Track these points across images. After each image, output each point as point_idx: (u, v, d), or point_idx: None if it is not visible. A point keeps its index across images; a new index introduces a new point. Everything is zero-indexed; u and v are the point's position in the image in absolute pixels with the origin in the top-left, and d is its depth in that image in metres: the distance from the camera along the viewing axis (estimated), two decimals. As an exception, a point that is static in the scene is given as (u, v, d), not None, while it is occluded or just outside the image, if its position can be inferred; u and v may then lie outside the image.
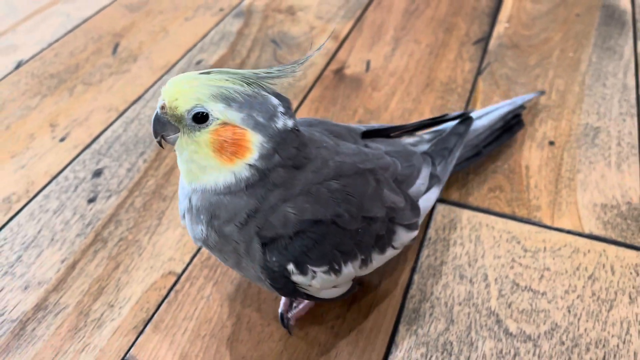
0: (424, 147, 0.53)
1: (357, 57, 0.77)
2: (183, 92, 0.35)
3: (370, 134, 0.50)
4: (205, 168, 0.37)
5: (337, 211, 0.39)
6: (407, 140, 0.53)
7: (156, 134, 0.37)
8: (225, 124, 0.35)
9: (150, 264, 0.51)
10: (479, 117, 0.58)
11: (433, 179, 0.49)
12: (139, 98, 0.71)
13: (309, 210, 0.38)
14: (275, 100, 0.37)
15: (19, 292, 0.50)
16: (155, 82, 0.74)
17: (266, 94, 0.37)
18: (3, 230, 0.55)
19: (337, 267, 0.40)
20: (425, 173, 0.49)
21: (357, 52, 0.78)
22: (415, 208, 0.46)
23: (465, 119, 0.56)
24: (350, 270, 0.41)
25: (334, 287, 0.41)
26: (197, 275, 0.50)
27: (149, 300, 0.49)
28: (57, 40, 0.82)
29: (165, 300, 0.49)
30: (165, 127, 0.37)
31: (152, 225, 0.55)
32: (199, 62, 0.77)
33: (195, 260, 0.52)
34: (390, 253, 0.44)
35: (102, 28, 0.85)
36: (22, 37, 0.83)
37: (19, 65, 0.77)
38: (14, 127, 0.67)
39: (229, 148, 0.36)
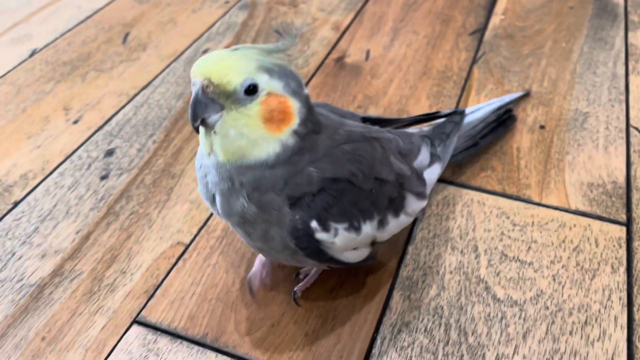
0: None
1: (357, 47, 0.80)
2: (232, 66, 0.36)
3: (367, 121, 0.53)
4: (257, 141, 0.37)
5: (352, 170, 0.41)
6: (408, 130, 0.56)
7: (196, 117, 0.36)
8: (269, 94, 0.37)
9: (159, 235, 0.55)
10: (473, 112, 0.62)
11: (434, 157, 0.52)
12: (148, 84, 0.75)
13: (329, 169, 0.40)
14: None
15: (37, 260, 0.53)
16: (164, 70, 0.77)
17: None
18: (21, 204, 0.58)
19: (356, 225, 0.42)
20: (425, 151, 0.52)
21: (357, 42, 0.81)
22: (420, 178, 0.49)
23: (456, 110, 0.59)
24: (368, 229, 0.43)
25: (355, 249, 0.44)
26: (204, 246, 0.53)
27: (159, 267, 0.52)
28: (69, 30, 0.86)
29: (174, 268, 0.52)
30: (207, 108, 0.36)
31: (161, 200, 0.58)
32: (205, 51, 0.80)
33: (202, 232, 0.55)
34: (403, 219, 0.47)
35: (113, 19, 0.88)
36: (36, 27, 0.87)
37: (33, 53, 0.81)
38: (30, 110, 0.70)
39: (277, 116, 0.37)
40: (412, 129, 0.57)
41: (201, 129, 0.39)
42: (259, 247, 0.44)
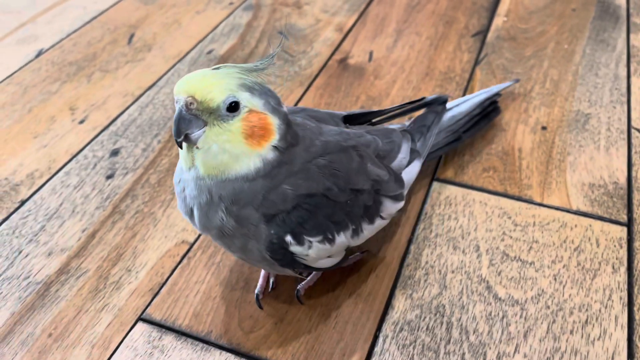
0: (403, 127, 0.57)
1: (360, 48, 0.81)
2: (215, 84, 0.38)
3: (352, 119, 0.54)
4: (238, 156, 0.39)
5: (326, 185, 0.42)
6: (389, 126, 0.56)
7: (180, 133, 0.38)
8: (250, 111, 0.39)
9: (164, 233, 0.55)
10: (457, 105, 0.62)
11: (414, 154, 0.53)
12: (153, 84, 0.75)
13: (303, 185, 0.41)
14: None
15: (43, 258, 0.53)
16: (169, 70, 0.78)
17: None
18: (27, 203, 0.59)
19: (330, 237, 0.43)
20: (405, 148, 0.52)
21: (361, 43, 0.82)
22: (399, 180, 0.49)
23: (437, 98, 0.59)
24: (342, 239, 0.44)
25: (329, 256, 0.45)
26: (208, 244, 0.54)
27: (164, 265, 0.52)
28: (75, 31, 0.86)
29: (179, 266, 0.52)
30: (190, 124, 0.38)
31: (166, 200, 0.59)
32: (209, 52, 0.81)
33: (206, 230, 0.55)
34: (379, 223, 0.48)
35: (118, 20, 0.89)
36: (42, 27, 0.87)
37: (39, 53, 0.81)
38: (36, 110, 0.71)
39: (258, 132, 0.39)
40: (394, 125, 0.57)
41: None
42: (240, 257, 0.45)
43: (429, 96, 0.60)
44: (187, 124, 0.38)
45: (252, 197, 0.40)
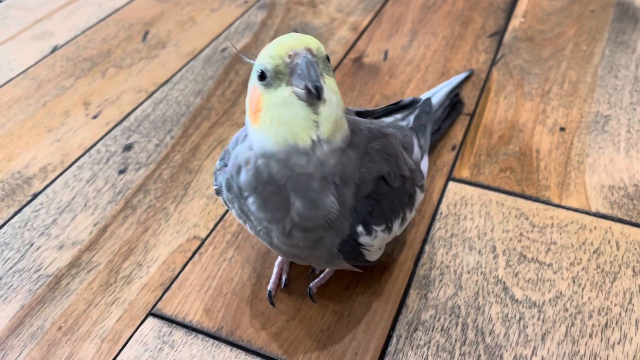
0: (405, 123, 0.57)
1: (375, 47, 0.80)
2: (311, 38, 0.35)
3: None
4: (342, 117, 0.36)
5: (387, 169, 0.40)
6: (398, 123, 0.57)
7: (318, 78, 0.33)
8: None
9: (176, 229, 0.55)
10: (432, 97, 0.63)
11: (421, 149, 0.53)
12: (167, 81, 0.75)
13: (374, 168, 0.39)
14: None
15: (54, 251, 0.53)
16: (182, 67, 0.77)
17: None
18: (40, 196, 0.59)
19: (390, 225, 0.41)
20: (416, 143, 0.52)
21: (376, 42, 0.81)
22: (420, 171, 0.49)
23: (425, 100, 0.60)
24: (396, 228, 0.43)
25: (379, 248, 0.43)
26: (220, 240, 0.53)
27: (175, 261, 0.52)
28: (90, 28, 0.86)
29: (190, 262, 0.52)
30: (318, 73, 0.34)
31: (178, 195, 0.58)
32: (224, 50, 0.81)
33: (218, 226, 0.55)
34: (413, 214, 0.47)
35: (133, 17, 0.89)
36: (57, 24, 0.88)
37: (54, 49, 0.82)
38: (50, 104, 0.71)
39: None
40: (401, 122, 0.57)
41: (285, 117, 0.34)
42: (293, 254, 0.41)
43: (406, 99, 0.61)
44: (319, 71, 0.33)
45: (352, 174, 0.37)
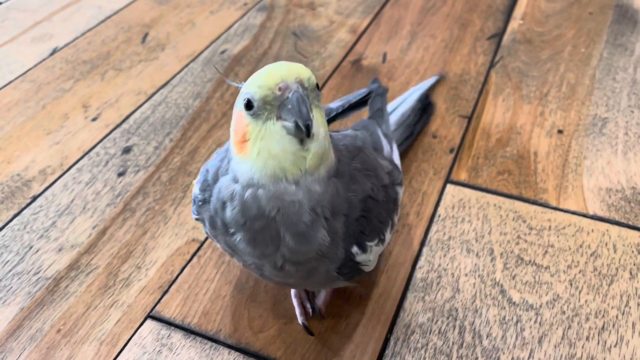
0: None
1: (374, 50, 0.80)
2: (301, 66, 0.34)
3: None
4: (329, 149, 0.35)
5: (370, 186, 0.40)
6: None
7: (309, 116, 0.32)
8: None
9: (175, 231, 0.55)
10: (403, 102, 0.64)
11: (387, 137, 0.52)
12: (166, 83, 0.75)
13: (359, 190, 0.39)
14: None
15: (53, 254, 0.53)
16: (182, 70, 0.78)
17: None
18: (39, 198, 0.59)
19: (382, 237, 0.41)
20: (381, 134, 0.52)
21: (375, 45, 0.81)
22: (396, 167, 0.48)
23: (376, 83, 0.61)
24: (388, 237, 0.43)
25: (376, 259, 0.43)
26: (219, 243, 0.54)
27: (174, 263, 0.52)
28: (89, 30, 0.87)
29: (189, 264, 0.52)
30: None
31: (177, 198, 0.58)
32: (223, 52, 0.81)
33: (217, 229, 0.55)
34: (399, 216, 0.47)
35: (132, 19, 0.89)
36: (57, 26, 0.88)
37: (54, 51, 0.82)
38: (49, 107, 0.71)
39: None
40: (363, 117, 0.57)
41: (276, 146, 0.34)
42: (287, 283, 0.41)
43: (361, 90, 0.60)
44: (308, 108, 0.32)
45: (341, 204, 0.36)
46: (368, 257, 0.40)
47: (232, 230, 0.37)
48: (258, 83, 0.34)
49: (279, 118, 0.33)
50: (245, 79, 0.36)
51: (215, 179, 0.38)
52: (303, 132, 0.33)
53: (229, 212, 0.36)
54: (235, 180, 0.36)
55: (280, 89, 0.33)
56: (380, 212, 0.41)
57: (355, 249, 0.39)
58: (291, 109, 0.33)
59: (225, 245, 0.40)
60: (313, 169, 0.34)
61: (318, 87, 0.35)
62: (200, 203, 0.40)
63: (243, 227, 0.36)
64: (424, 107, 0.66)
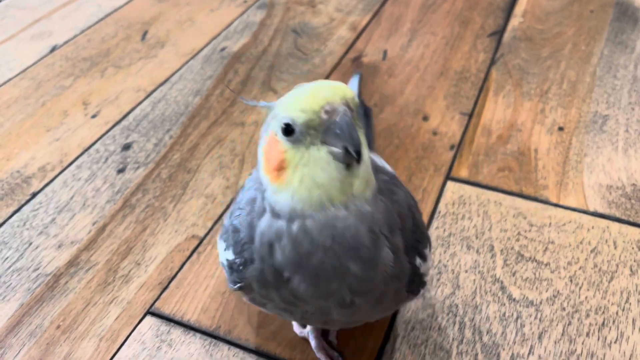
0: None
1: (374, 47, 0.80)
2: (343, 86, 0.32)
3: None
4: (372, 171, 0.33)
5: (403, 195, 0.39)
6: None
7: (359, 141, 0.30)
8: None
9: (174, 228, 0.55)
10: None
11: (374, 151, 0.50)
12: (166, 80, 0.75)
13: (398, 202, 0.37)
14: None
15: (53, 250, 0.53)
16: (182, 67, 0.78)
17: None
18: (39, 195, 0.59)
19: (430, 240, 0.40)
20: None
21: (375, 42, 0.81)
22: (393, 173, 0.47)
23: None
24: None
25: None
26: (218, 240, 0.54)
27: (173, 260, 0.52)
28: (89, 27, 0.87)
29: (189, 261, 0.52)
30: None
31: (177, 194, 0.58)
32: (222, 49, 0.81)
33: (217, 225, 0.55)
34: None
35: (132, 17, 0.89)
36: (56, 23, 0.88)
37: (53, 49, 0.82)
38: (49, 104, 0.71)
39: None
40: None
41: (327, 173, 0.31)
42: (353, 321, 0.39)
43: None
44: (357, 132, 0.30)
45: (394, 218, 0.34)
46: (428, 265, 0.38)
47: (287, 275, 0.33)
48: (300, 106, 0.31)
49: (323, 143, 0.31)
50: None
51: (251, 230, 0.34)
52: (353, 158, 0.30)
53: (279, 255, 0.33)
54: (277, 215, 0.32)
55: (326, 113, 0.30)
56: (418, 217, 0.40)
57: (418, 261, 0.37)
58: (340, 134, 0.30)
59: (282, 301, 0.35)
60: (360, 193, 0.32)
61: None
62: (241, 267, 0.36)
63: (300, 267, 0.32)
64: (366, 113, 0.59)
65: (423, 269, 0.37)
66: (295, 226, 0.32)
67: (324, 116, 0.30)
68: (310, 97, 0.31)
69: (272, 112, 0.33)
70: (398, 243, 0.34)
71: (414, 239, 0.36)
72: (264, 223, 0.33)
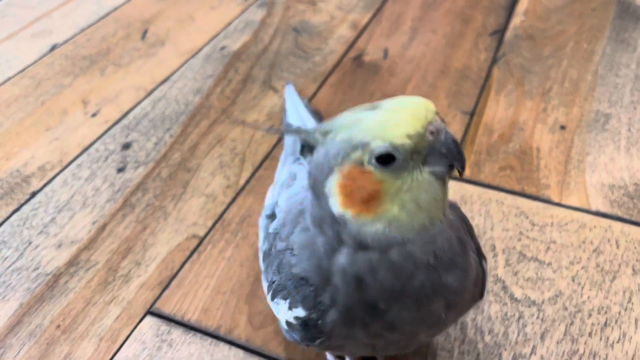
0: None
1: (375, 46, 0.80)
2: (426, 100, 0.30)
3: None
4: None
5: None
6: None
7: (464, 157, 0.29)
8: None
9: (175, 227, 0.55)
10: (307, 119, 0.54)
11: None
12: (166, 79, 0.75)
13: (451, 206, 0.36)
14: None
15: (53, 250, 0.53)
16: (182, 65, 0.77)
17: None
18: (38, 194, 0.59)
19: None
20: None
21: (376, 40, 0.81)
22: None
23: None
24: None
25: None
26: (219, 239, 0.53)
27: (174, 259, 0.52)
28: (89, 26, 0.86)
29: (189, 260, 0.52)
30: None
31: (177, 194, 0.58)
32: (223, 48, 0.80)
33: (217, 225, 0.55)
34: None
35: (132, 15, 0.89)
36: (56, 22, 0.87)
37: (53, 47, 0.81)
38: (49, 103, 0.71)
39: None
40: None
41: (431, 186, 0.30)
42: (430, 338, 0.38)
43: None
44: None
45: (460, 222, 0.34)
46: (486, 265, 0.38)
47: (383, 307, 0.31)
48: (406, 132, 0.28)
49: (425, 164, 0.29)
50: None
51: (323, 272, 0.32)
52: (452, 173, 0.29)
53: (374, 287, 0.30)
54: (363, 248, 0.30)
55: (432, 133, 0.28)
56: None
57: (484, 263, 0.36)
58: (447, 153, 0.29)
59: (367, 337, 0.33)
60: (438, 215, 0.31)
61: None
62: (319, 321, 0.32)
63: (400, 294, 0.30)
64: (317, 114, 0.57)
65: (485, 266, 0.37)
66: (394, 254, 0.29)
67: (430, 137, 0.28)
68: (412, 118, 0.28)
69: (332, 140, 0.30)
70: (473, 246, 0.34)
71: (476, 241, 0.36)
72: (344, 259, 0.30)
